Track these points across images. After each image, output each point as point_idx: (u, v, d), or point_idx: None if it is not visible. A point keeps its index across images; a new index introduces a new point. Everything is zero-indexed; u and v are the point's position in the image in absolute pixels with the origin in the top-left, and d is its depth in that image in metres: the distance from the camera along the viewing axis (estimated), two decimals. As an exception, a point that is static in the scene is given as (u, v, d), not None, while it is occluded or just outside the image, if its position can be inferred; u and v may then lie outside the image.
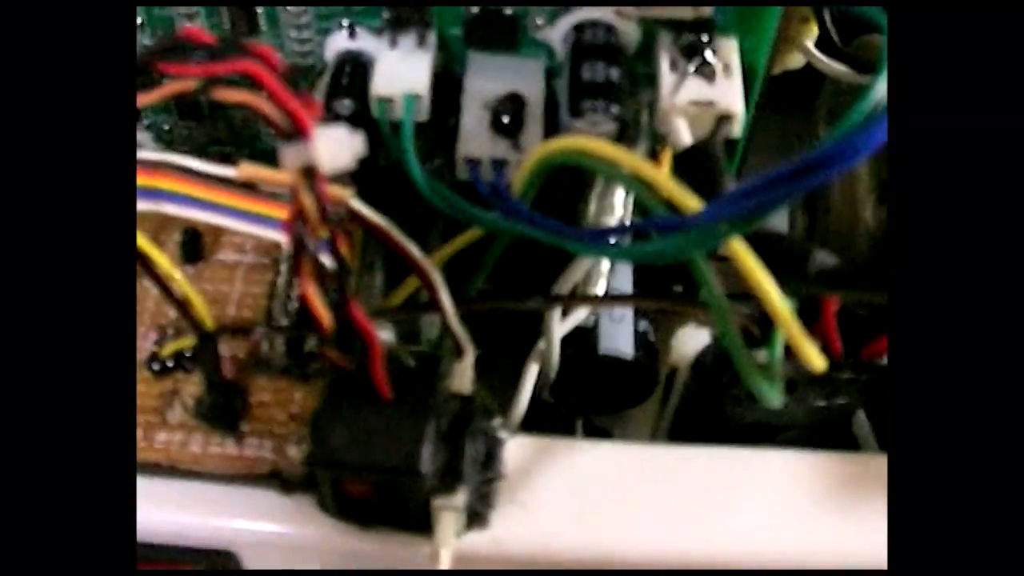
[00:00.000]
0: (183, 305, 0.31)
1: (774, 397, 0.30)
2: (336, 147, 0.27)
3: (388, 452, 0.29)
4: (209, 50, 0.28)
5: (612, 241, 0.32)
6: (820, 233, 0.43)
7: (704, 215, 0.27)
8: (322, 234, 0.28)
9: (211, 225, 0.32)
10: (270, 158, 0.35)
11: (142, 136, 0.41)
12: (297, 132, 0.27)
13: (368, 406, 0.30)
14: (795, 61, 0.41)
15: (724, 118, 0.34)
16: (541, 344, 0.37)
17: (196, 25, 0.38)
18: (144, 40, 0.38)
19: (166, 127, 0.41)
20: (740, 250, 0.27)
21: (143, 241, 0.30)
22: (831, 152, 0.24)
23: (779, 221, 0.45)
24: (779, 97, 0.42)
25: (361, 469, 0.29)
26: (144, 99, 0.29)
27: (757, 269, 0.27)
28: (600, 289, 0.38)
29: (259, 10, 0.37)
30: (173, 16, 0.38)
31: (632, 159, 0.29)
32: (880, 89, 0.27)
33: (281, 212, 0.30)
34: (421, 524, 0.31)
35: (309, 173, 0.27)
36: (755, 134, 0.41)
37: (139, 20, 0.38)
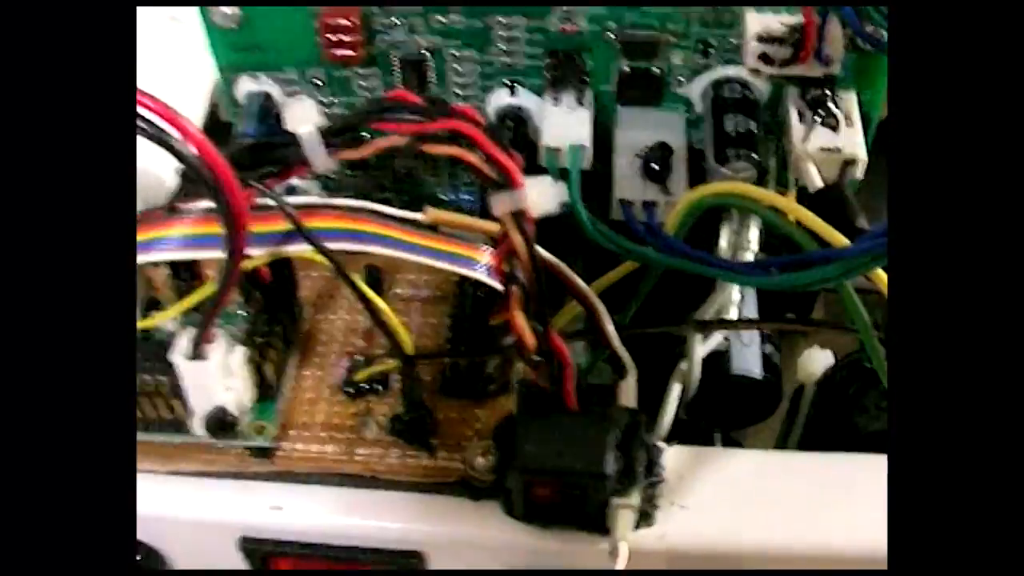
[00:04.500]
0: (392, 336, 0.37)
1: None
2: (543, 195, 0.33)
3: (578, 458, 0.35)
4: (419, 110, 0.35)
5: (769, 272, 0.37)
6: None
7: (853, 250, 0.33)
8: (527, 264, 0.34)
9: (390, 262, 0.38)
10: (429, 201, 0.41)
11: (309, 184, 0.47)
12: (508, 182, 0.33)
13: (557, 418, 0.36)
14: None
15: (849, 162, 0.40)
16: (683, 365, 0.43)
17: (371, 85, 0.44)
18: (320, 97, 0.45)
19: (333, 176, 0.48)
20: (883, 279, 0.34)
21: (359, 281, 0.36)
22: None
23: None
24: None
25: (555, 473, 0.35)
26: (357, 153, 0.36)
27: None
28: (734, 316, 0.43)
29: (429, 68, 0.43)
30: (349, 76, 0.44)
31: (785, 201, 0.35)
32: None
33: (465, 250, 0.36)
34: (597, 524, 0.37)
35: (520, 217, 0.33)
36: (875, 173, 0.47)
37: (319, 82, 0.44)
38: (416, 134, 0.34)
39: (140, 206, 0.44)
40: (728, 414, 0.47)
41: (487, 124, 0.34)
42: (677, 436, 0.42)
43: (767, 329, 0.45)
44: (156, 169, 0.45)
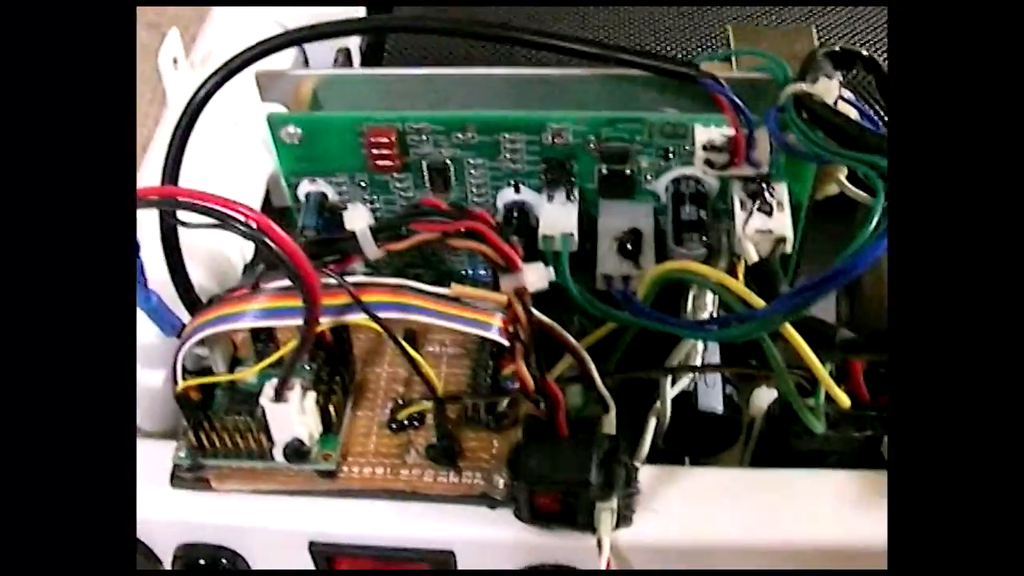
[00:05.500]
0: (427, 381, 0.50)
1: (818, 426, 0.48)
2: (537, 277, 0.45)
3: (569, 471, 0.46)
4: (445, 213, 0.47)
5: (709, 329, 0.50)
6: (858, 317, 0.61)
7: (766, 310, 0.45)
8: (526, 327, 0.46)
9: (422, 325, 0.50)
10: (452, 275, 0.53)
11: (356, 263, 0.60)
12: (510, 267, 0.45)
13: (553, 442, 0.48)
14: (831, 190, 0.58)
15: (780, 240, 0.51)
16: (657, 404, 0.55)
17: (404, 186, 0.57)
18: (365, 196, 0.57)
19: None
20: (790, 331, 0.46)
21: (401, 340, 0.49)
22: (841, 268, 0.42)
23: (827, 310, 0.63)
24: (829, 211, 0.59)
25: (551, 483, 0.47)
26: (398, 246, 0.48)
27: (800, 341, 0.45)
28: (697, 363, 0.56)
29: (451, 174, 0.56)
30: (388, 181, 0.57)
31: (719, 275, 0.47)
32: (872, 222, 0.45)
33: (482, 317, 0.47)
34: (586, 524, 0.48)
35: (520, 293, 0.45)
36: (810, 244, 0.59)
37: (363, 184, 0.57)
38: (443, 231, 0.47)
39: (215, 281, 0.58)
40: (698, 445, 0.57)
41: (496, 222, 0.47)
42: (656, 463, 0.53)
43: (715, 372, 0.57)
44: (228, 252, 0.59)
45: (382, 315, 0.47)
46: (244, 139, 0.65)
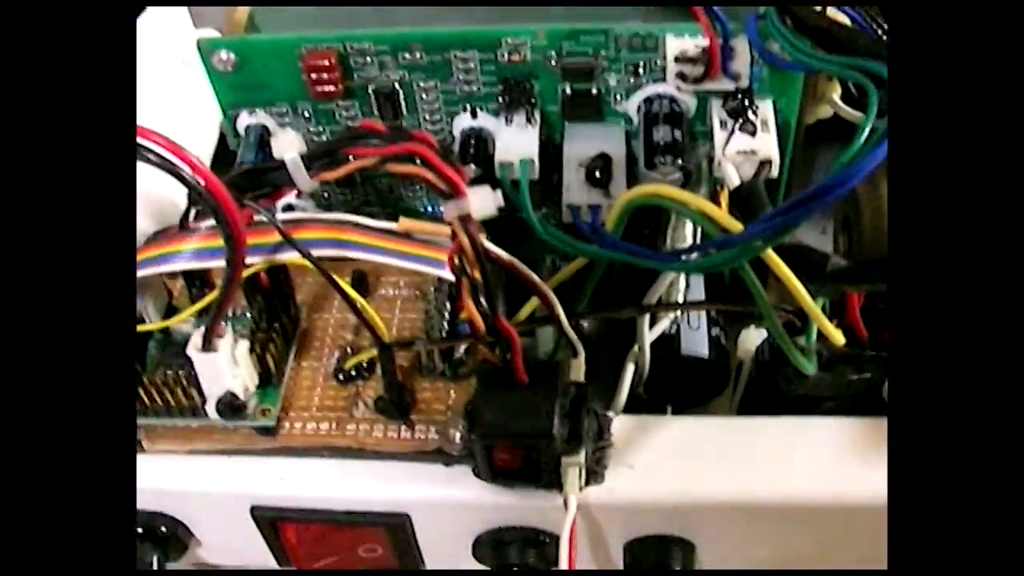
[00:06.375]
0: (369, 324, 0.45)
1: (808, 367, 0.44)
2: (483, 201, 0.41)
3: (528, 422, 0.42)
4: (383, 136, 0.43)
5: (683, 259, 0.45)
6: (855, 248, 0.57)
7: (744, 234, 0.40)
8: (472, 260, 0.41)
9: (374, 267, 0.46)
10: (410, 215, 0.49)
11: (305, 202, 0.55)
12: (454, 192, 0.41)
13: (511, 391, 0.43)
14: (825, 112, 0.54)
15: (764, 163, 0.47)
16: (635, 348, 0.51)
17: (351, 115, 0.52)
18: (310, 127, 0.53)
19: (325, 194, 0.55)
20: (774, 259, 0.41)
21: (342, 282, 0.44)
22: (829, 183, 0.37)
23: (824, 242, 0.59)
24: (822, 137, 0.55)
25: (509, 436, 0.43)
26: (333, 174, 0.43)
27: (786, 271, 0.41)
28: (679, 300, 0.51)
29: (401, 100, 0.51)
30: (333, 108, 0.52)
31: (695, 199, 0.42)
32: (863, 135, 0.40)
33: (432, 253, 0.43)
34: (552, 482, 0.44)
35: (465, 220, 0.41)
36: (806, 169, 0.54)
37: (307, 114, 0.52)
38: (381, 156, 0.43)
39: (157, 224, 0.53)
40: (682, 392, 0.53)
41: (440, 144, 0.42)
42: (636, 413, 0.49)
43: (696, 309, 0.52)
44: (171, 194, 0.54)
45: (317, 253, 0.43)
46: (193, 78, 0.60)
